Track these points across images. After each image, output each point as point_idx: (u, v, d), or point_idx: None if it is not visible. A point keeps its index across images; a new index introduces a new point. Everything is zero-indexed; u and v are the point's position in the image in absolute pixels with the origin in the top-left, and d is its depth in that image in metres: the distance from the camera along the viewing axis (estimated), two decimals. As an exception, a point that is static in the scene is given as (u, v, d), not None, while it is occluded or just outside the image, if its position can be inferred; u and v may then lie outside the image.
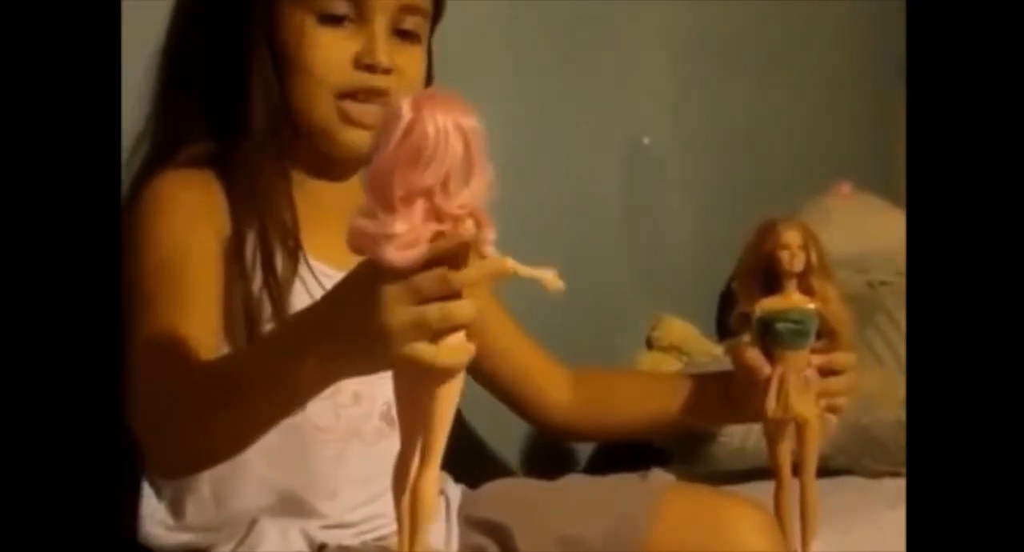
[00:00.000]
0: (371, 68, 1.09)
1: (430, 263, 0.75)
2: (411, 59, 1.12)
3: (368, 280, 0.77)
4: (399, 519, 0.80)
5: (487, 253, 0.76)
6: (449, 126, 0.73)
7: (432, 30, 1.17)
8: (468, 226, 0.75)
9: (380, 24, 1.09)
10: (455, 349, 0.77)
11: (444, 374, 0.77)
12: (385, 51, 1.09)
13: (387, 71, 1.09)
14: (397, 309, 0.75)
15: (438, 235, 0.75)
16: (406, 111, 0.74)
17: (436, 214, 0.74)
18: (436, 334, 0.76)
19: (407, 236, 0.74)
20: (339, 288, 0.81)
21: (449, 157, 0.73)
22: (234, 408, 0.87)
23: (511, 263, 0.76)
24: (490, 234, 0.76)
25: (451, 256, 0.75)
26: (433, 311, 0.75)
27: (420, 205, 0.74)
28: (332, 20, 1.09)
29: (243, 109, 1.10)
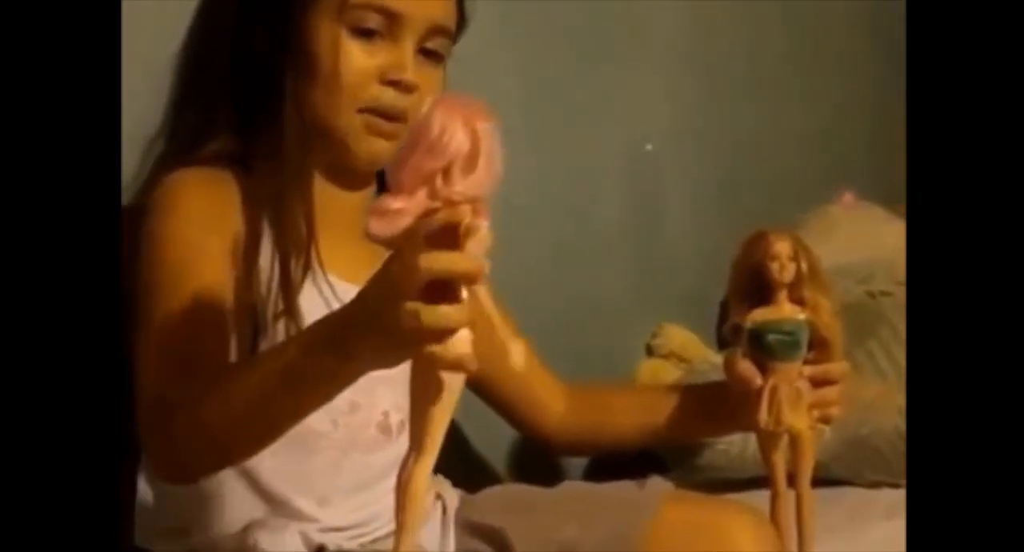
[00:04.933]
0: (396, 84, 1.10)
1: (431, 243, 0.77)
2: (432, 78, 1.13)
3: (386, 275, 0.79)
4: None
5: (480, 238, 0.78)
6: (457, 122, 0.76)
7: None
8: (463, 210, 0.77)
9: (409, 42, 1.10)
10: (464, 342, 0.78)
11: (452, 367, 0.79)
12: (412, 68, 1.10)
13: (410, 88, 1.10)
14: (405, 303, 0.76)
15: (430, 212, 0.77)
16: (426, 108, 0.77)
17: (435, 198, 0.77)
18: (438, 334, 0.77)
19: (397, 212, 0.77)
20: (366, 286, 0.82)
21: (453, 148, 0.76)
22: (262, 411, 0.88)
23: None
24: (483, 224, 0.77)
25: (445, 239, 0.77)
26: (427, 314, 0.76)
27: (422, 191, 0.77)
28: (363, 34, 1.10)
29: (271, 115, 1.10)
